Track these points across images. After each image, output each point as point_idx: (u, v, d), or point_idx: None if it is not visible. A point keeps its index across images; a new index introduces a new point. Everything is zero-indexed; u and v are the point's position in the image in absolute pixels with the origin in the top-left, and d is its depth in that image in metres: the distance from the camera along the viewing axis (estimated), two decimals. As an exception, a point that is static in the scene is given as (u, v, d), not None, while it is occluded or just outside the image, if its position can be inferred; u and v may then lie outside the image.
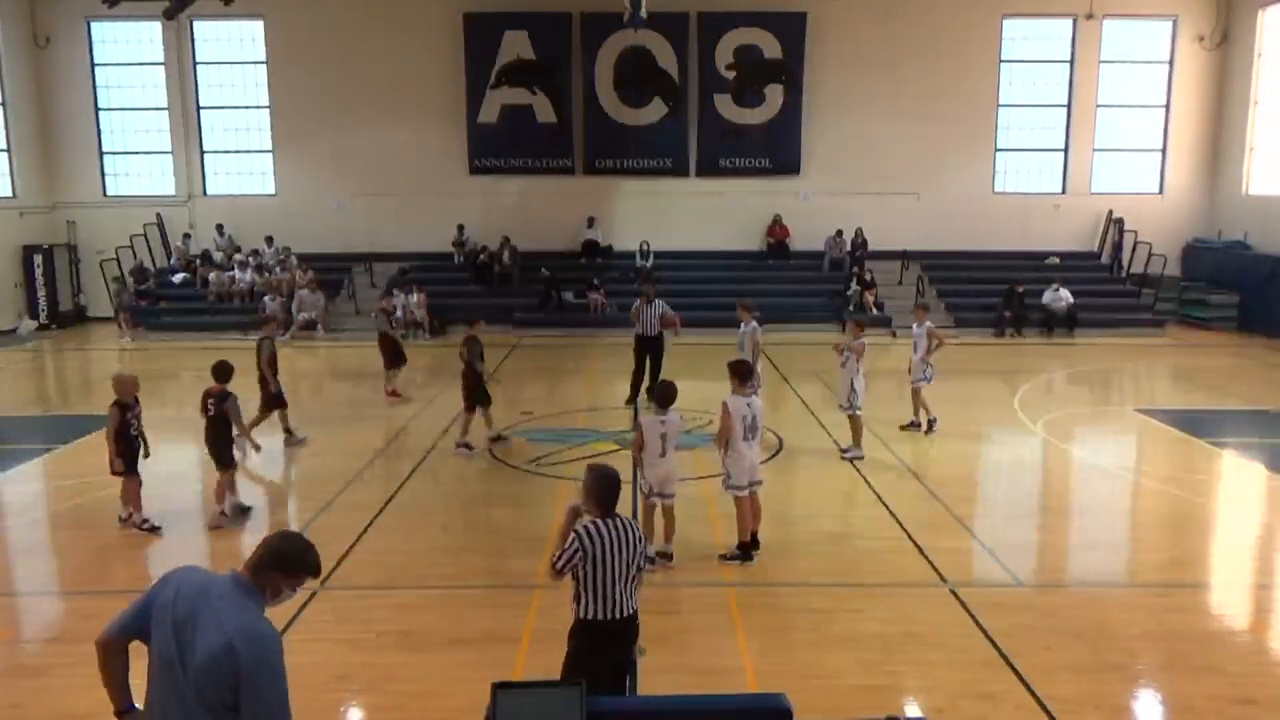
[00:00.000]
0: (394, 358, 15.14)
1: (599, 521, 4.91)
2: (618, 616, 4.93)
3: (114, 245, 23.59)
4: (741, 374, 8.36)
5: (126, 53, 24.43)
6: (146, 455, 9.26)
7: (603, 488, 4.96)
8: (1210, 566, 8.79)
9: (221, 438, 9.38)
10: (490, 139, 24.21)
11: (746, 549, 8.36)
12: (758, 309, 12.69)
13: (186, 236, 24.59)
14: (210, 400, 9.33)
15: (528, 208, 24.52)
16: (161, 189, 24.75)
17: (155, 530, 9.21)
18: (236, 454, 9.73)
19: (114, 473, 9.09)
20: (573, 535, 4.88)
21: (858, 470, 11.09)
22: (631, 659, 5.17)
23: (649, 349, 14.02)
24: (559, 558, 4.86)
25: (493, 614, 7.28)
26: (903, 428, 12.75)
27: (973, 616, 7.24)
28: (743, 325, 12.34)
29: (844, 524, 9.52)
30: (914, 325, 12.95)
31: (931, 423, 12.67)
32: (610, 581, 4.86)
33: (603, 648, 4.94)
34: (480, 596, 7.72)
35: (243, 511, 9.64)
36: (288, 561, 3.38)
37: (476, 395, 11.96)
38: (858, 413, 11.50)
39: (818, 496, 10.36)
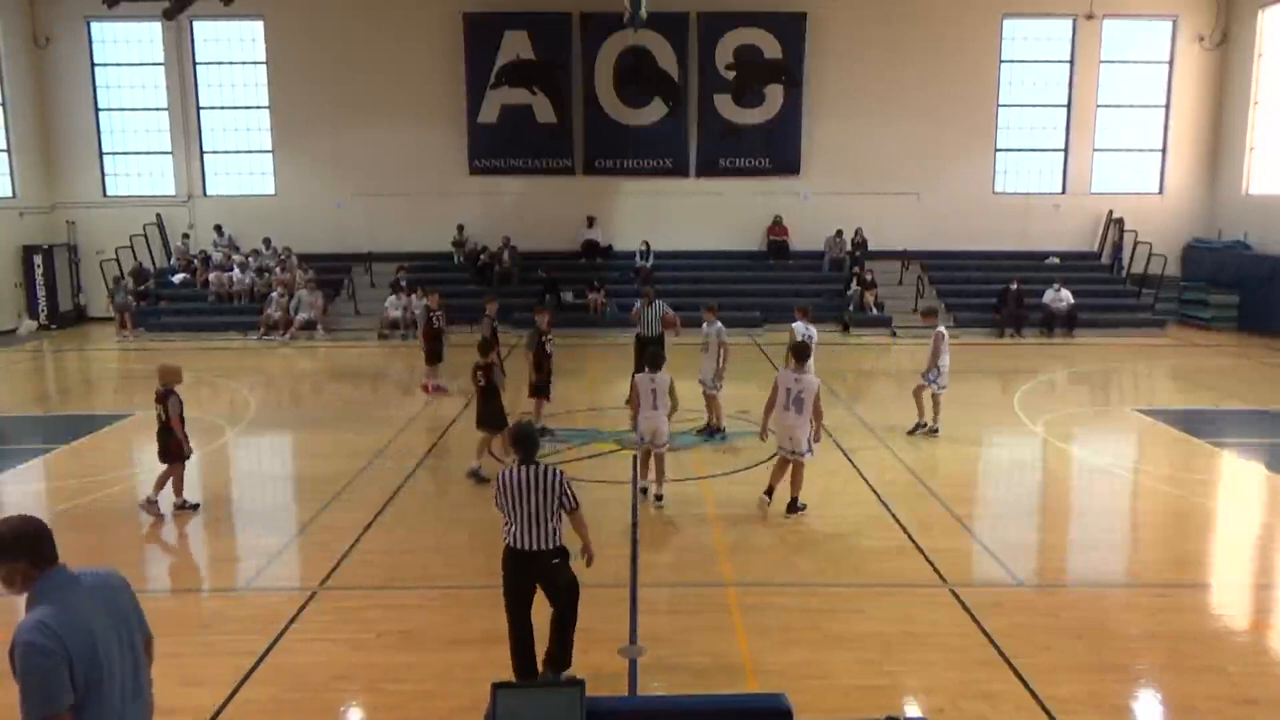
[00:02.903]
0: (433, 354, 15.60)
1: (515, 468, 5.96)
2: (528, 547, 5.90)
3: (114, 245, 23.59)
4: (799, 355, 9.51)
5: (126, 53, 24.44)
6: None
7: (516, 440, 6.12)
8: (1210, 566, 8.79)
9: (492, 404, 10.84)
10: (490, 139, 24.22)
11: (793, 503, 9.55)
12: (721, 310, 13.24)
13: (185, 236, 24.59)
14: (479, 371, 10.81)
15: (528, 208, 24.53)
16: (161, 189, 24.76)
17: (176, 511, 9.68)
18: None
19: (181, 459, 9.60)
20: (495, 476, 6.12)
21: (858, 470, 11.09)
22: (565, 590, 6.05)
23: (645, 351, 13.98)
24: (495, 494, 6.05)
25: (493, 614, 7.22)
26: (910, 432, 12.68)
27: (973, 616, 7.24)
28: (705, 325, 12.73)
29: (844, 524, 9.50)
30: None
31: (925, 427, 12.71)
32: (522, 517, 5.87)
33: (517, 570, 5.97)
34: (480, 596, 7.68)
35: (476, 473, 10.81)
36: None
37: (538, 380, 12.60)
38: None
39: (817, 496, 10.34)
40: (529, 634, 6.09)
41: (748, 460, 11.61)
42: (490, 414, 10.82)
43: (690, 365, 13.20)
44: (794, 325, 12.69)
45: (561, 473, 5.99)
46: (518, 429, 6.24)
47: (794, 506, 9.51)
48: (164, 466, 9.67)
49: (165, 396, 9.47)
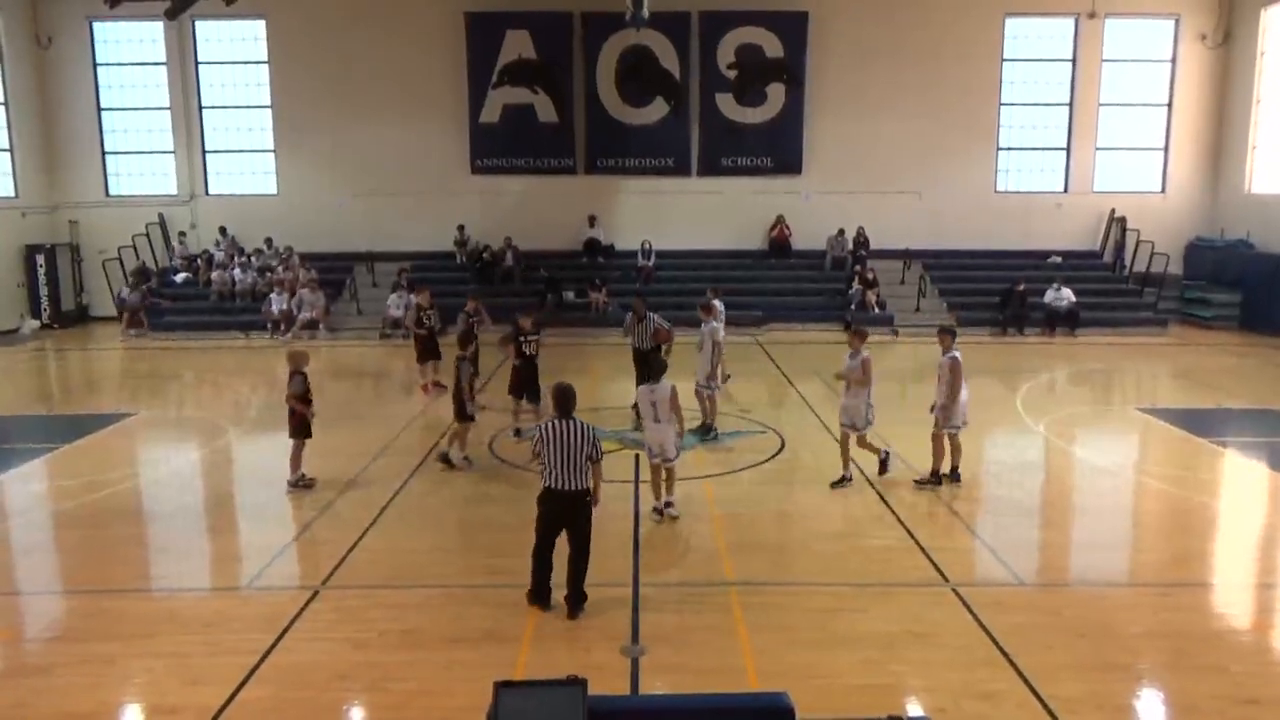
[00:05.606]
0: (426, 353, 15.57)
1: (556, 420, 7.18)
2: (563, 488, 7.13)
3: (116, 245, 23.60)
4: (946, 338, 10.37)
5: (128, 52, 24.42)
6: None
7: (557, 398, 7.35)
8: (1212, 566, 8.77)
9: (458, 395, 11.14)
10: (492, 138, 24.20)
11: (949, 474, 10.36)
12: (722, 308, 13.69)
13: (183, 235, 24.59)
14: (459, 362, 11.09)
15: (529, 207, 24.50)
16: (164, 189, 24.77)
17: (310, 485, 10.45)
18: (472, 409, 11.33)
19: (302, 435, 10.36)
20: (537, 429, 7.40)
21: (860, 469, 11.07)
22: (584, 530, 7.24)
23: (644, 362, 13.93)
24: (534, 444, 7.33)
25: (494, 613, 7.28)
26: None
27: (975, 616, 7.24)
28: (703, 325, 12.79)
29: (846, 523, 9.50)
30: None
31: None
32: (559, 462, 7.08)
33: (552, 509, 7.20)
34: (482, 595, 7.71)
35: (467, 462, 11.28)
36: None
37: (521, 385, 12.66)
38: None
39: (819, 495, 10.34)
40: (549, 564, 7.31)
41: (747, 460, 11.62)
42: (457, 404, 11.24)
43: (688, 366, 13.17)
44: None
45: (593, 428, 7.25)
46: (557, 389, 7.38)
47: (937, 476, 10.38)
48: (292, 443, 10.46)
49: (292, 378, 10.31)
